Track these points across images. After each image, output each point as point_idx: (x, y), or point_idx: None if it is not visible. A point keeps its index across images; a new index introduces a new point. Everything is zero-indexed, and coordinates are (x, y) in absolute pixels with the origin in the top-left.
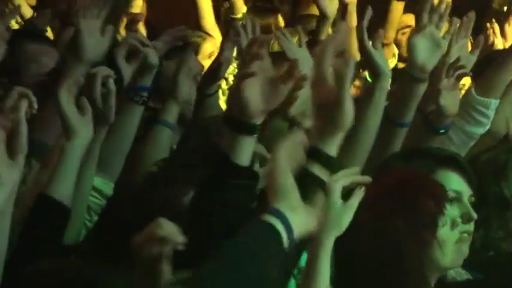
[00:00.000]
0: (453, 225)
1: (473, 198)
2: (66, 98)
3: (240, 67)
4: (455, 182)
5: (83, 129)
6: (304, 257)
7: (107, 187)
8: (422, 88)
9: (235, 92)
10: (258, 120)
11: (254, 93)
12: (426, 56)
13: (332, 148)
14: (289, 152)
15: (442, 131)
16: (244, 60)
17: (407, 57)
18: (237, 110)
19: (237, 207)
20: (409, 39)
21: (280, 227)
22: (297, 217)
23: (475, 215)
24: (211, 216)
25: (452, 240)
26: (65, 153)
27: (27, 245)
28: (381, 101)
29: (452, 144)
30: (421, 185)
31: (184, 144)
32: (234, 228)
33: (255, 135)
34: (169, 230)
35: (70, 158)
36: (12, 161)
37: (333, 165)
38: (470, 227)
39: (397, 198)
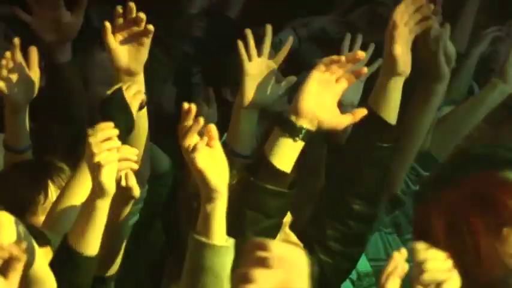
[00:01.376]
0: None
1: None
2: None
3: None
4: None
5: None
6: (362, 261)
7: None
8: None
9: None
10: (306, 124)
11: (311, 93)
12: None
13: None
14: None
15: None
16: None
17: None
18: (292, 105)
19: (268, 216)
20: None
21: None
22: None
23: None
24: (241, 220)
25: None
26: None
27: None
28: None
29: None
30: (503, 187)
31: None
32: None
33: (298, 140)
34: None
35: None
36: None
37: None
38: None
39: (477, 201)
